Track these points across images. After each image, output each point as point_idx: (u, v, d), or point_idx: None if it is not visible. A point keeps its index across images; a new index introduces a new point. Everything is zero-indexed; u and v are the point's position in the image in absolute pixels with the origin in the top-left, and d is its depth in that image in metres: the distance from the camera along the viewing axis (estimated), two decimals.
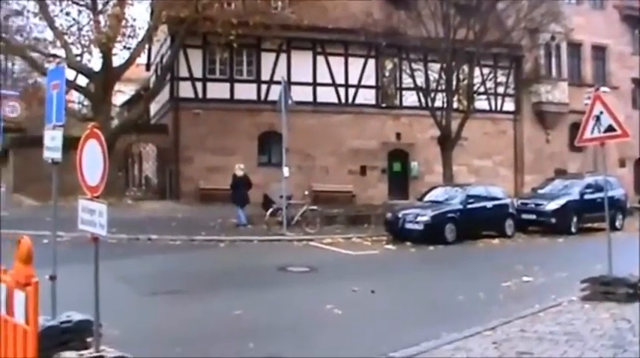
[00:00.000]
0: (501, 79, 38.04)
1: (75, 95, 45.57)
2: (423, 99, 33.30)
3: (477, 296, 13.27)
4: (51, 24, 32.92)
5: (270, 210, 24.26)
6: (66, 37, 33.00)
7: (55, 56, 31.67)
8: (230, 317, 11.34)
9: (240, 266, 17.76)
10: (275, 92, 29.14)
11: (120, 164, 37.87)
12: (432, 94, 32.30)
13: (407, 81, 34.57)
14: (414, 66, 33.50)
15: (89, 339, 8.51)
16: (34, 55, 34.15)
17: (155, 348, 9.46)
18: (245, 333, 10.27)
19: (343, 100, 36.89)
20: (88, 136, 8.29)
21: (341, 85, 36.81)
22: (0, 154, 26.46)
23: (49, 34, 34.51)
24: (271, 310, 12.08)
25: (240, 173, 25.68)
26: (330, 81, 36.54)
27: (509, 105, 40.72)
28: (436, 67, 32.30)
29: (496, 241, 24.22)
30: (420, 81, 32.83)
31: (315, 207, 25.12)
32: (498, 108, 40.35)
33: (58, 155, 9.25)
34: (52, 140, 9.31)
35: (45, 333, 8.24)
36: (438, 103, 32.20)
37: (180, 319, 11.42)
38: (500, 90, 38.86)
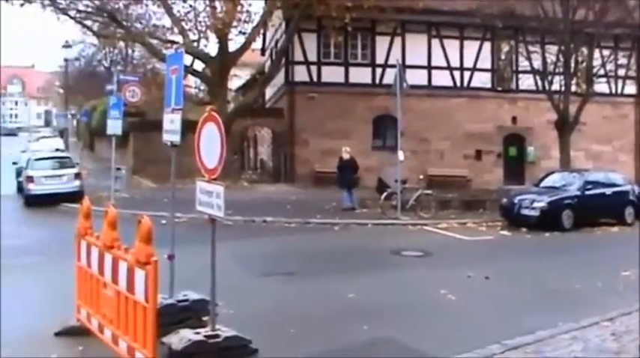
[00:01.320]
0: (622, 60, 36.60)
1: (192, 80, 46.52)
2: (540, 83, 32.37)
3: (594, 285, 12.90)
4: (169, 11, 33.67)
5: (385, 193, 24.14)
6: (183, 23, 33.69)
7: (172, 42, 32.42)
8: (344, 300, 11.40)
9: (353, 249, 17.79)
10: (390, 75, 28.95)
11: (235, 147, 38.43)
12: (550, 77, 31.36)
13: (523, 64, 33.69)
14: (531, 48, 32.59)
15: (205, 318, 8.72)
16: (153, 41, 35.05)
17: (269, 328, 9.60)
18: (359, 316, 10.30)
19: (458, 84, 36.38)
20: (206, 119, 8.44)
21: (456, 68, 36.31)
22: (121, 137, 27.21)
23: (167, 21, 35.38)
24: (385, 293, 12.07)
25: (346, 156, 25.64)
26: (445, 64, 36.09)
27: (630, 89, 39.20)
28: (554, 49, 31.31)
29: (615, 229, 23.42)
30: (537, 63, 31.91)
31: (429, 192, 24.86)
32: (619, 91, 38.91)
33: (176, 138, 9.47)
34: (171, 123, 9.54)
35: (163, 311, 8.49)
36: (555, 86, 31.26)
37: (294, 300, 11.55)
38: (621, 72, 37.39)
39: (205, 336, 8.08)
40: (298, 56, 35.00)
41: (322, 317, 10.36)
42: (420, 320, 10.27)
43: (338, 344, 9.01)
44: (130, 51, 61.18)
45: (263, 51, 44.22)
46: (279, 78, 36.97)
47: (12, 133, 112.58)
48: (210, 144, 8.30)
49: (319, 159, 33.49)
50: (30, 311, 10.89)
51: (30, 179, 27.23)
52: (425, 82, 35.00)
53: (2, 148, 50.86)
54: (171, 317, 8.76)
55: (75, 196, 25.34)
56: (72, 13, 33.49)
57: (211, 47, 37.20)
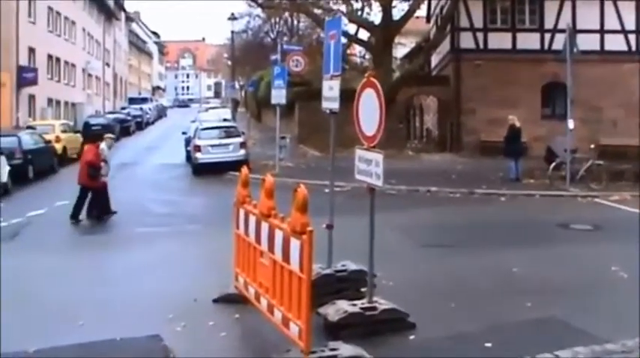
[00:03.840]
0: None
1: (357, 48, 46.50)
2: None
3: None
4: None
5: (553, 164, 23.23)
6: None
7: (337, 11, 32.39)
8: (506, 274, 10.94)
9: (518, 221, 17.15)
10: (559, 41, 27.73)
11: (401, 116, 38.12)
12: None
13: None
14: None
15: (363, 289, 8.55)
16: (317, 11, 35.15)
17: (428, 302, 9.31)
18: (522, 291, 9.85)
19: (634, 48, 34.47)
20: (365, 85, 8.22)
21: (631, 32, 34.35)
22: (286, 107, 27.55)
23: None
24: (550, 269, 11.44)
25: (516, 124, 24.81)
26: (619, 27, 34.24)
27: None
28: None
29: None
30: None
31: (601, 162, 23.68)
32: None
33: (335, 105, 9.29)
34: (330, 90, 9.37)
35: (320, 281, 8.39)
36: None
37: (455, 273, 11.18)
38: None
39: (362, 308, 7.91)
40: (464, 22, 34.20)
41: (483, 292, 9.96)
42: (587, 299, 9.60)
43: (498, 321, 8.59)
44: (295, 22, 61.91)
45: (428, 18, 43.62)
46: (445, 45, 36.31)
47: (184, 104, 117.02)
48: (369, 110, 8.08)
49: (485, 127, 32.66)
50: (191, 277, 11.09)
51: (197, 148, 27.97)
52: (597, 47, 33.32)
53: (175, 118, 52.70)
54: (328, 287, 8.65)
55: (240, 165, 25.81)
56: None
57: (375, 15, 37.01)
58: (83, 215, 18.10)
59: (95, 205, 18.23)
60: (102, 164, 18.46)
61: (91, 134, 19.60)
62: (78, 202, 18.10)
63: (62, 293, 10.50)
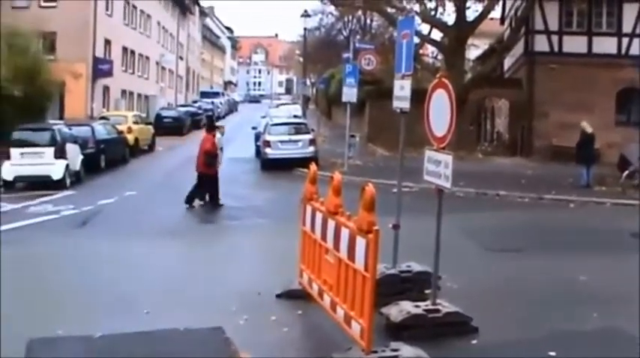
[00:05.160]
0: None
1: (429, 49, 46.22)
2: None
3: None
4: None
5: (627, 172, 22.76)
6: None
7: (410, 10, 32.27)
8: (573, 282, 10.71)
9: (588, 228, 16.79)
10: (637, 46, 27.20)
11: (472, 118, 37.77)
12: None
13: None
14: None
15: (427, 291, 8.50)
16: (391, 10, 35.02)
17: (492, 307, 9.20)
18: (588, 300, 9.62)
19: None
20: (436, 86, 8.17)
21: None
22: (357, 105, 27.57)
23: None
24: (621, 279, 11.09)
25: (589, 129, 24.32)
26: None
27: None
28: None
29: None
30: None
31: None
32: None
33: (406, 104, 9.27)
34: (401, 89, 9.35)
35: (384, 280, 8.37)
36: None
37: (520, 278, 11.00)
38: None
39: (425, 310, 7.87)
40: (539, 25, 33.70)
41: (549, 299, 9.77)
42: None
43: (563, 329, 8.40)
44: (368, 20, 61.82)
45: (502, 19, 43.10)
46: (519, 47, 35.83)
47: (255, 100, 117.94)
48: (440, 111, 8.03)
49: (558, 132, 32.13)
50: (256, 271, 11.17)
51: (267, 143, 28.16)
52: None
53: (246, 113, 53.09)
54: (392, 287, 8.63)
55: (309, 162, 25.92)
56: None
57: (449, 15, 36.74)
58: (197, 201, 19.17)
59: (209, 192, 19.27)
60: (218, 152, 19.74)
61: (208, 125, 20.73)
62: (195, 188, 19.20)
63: (128, 281, 10.68)
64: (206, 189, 19.30)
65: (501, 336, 8.09)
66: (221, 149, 20.23)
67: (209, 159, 19.21)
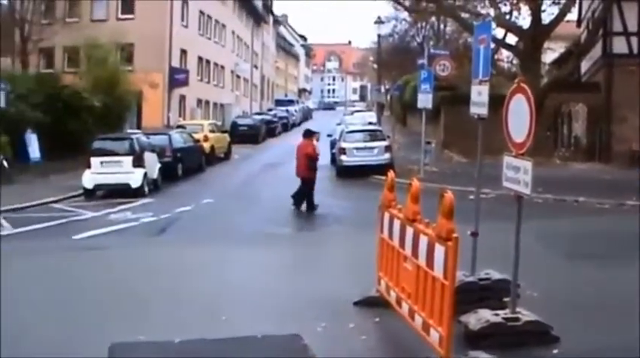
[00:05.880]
0: None
1: (504, 53, 45.72)
2: None
3: None
4: None
5: None
6: None
7: (484, 15, 31.95)
8: None
9: None
10: None
11: (549, 123, 37.14)
12: None
13: None
14: None
15: (506, 299, 8.39)
16: (464, 15, 34.74)
17: (573, 315, 9.00)
18: None
19: None
20: (515, 91, 8.08)
21: None
22: (432, 111, 27.47)
23: None
24: None
25: None
26: None
27: None
28: None
29: None
30: None
31: None
32: None
33: (483, 110, 9.19)
34: (479, 95, 9.27)
35: (463, 288, 8.28)
36: None
37: (601, 286, 10.70)
38: None
39: (504, 318, 7.76)
40: (617, 26, 32.95)
41: (633, 308, 9.47)
42: None
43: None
44: (441, 26, 61.45)
45: (579, 22, 42.33)
46: (596, 50, 35.12)
47: (330, 107, 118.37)
48: (518, 117, 7.92)
49: (638, 137, 31.43)
50: (334, 278, 11.17)
51: (342, 150, 28.22)
52: None
53: (321, 120, 53.22)
54: (470, 295, 8.53)
55: (384, 168, 25.91)
56: None
57: (524, 19, 36.26)
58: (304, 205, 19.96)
59: (308, 196, 20.13)
60: (318, 157, 20.83)
61: (307, 130, 21.46)
62: (299, 192, 20.14)
63: (207, 288, 10.81)
64: (306, 192, 20.11)
65: (583, 346, 7.90)
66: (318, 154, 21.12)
67: (311, 163, 20.20)
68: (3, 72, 32.36)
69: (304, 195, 20.00)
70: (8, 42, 41.04)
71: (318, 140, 21.92)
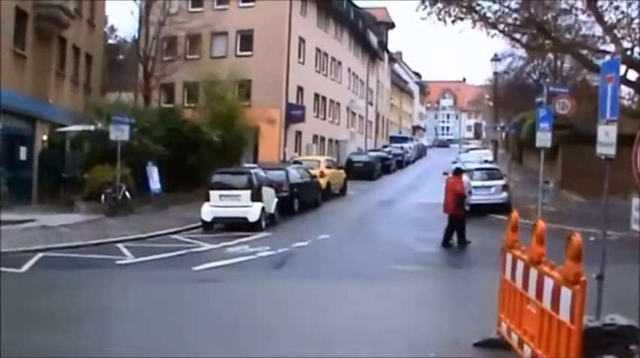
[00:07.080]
0: None
1: (624, 90, 44.53)
2: None
3: None
4: (600, 19, 32.42)
5: None
6: (615, 31, 32.27)
7: (604, 52, 31.31)
8: None
9: None
10: None
11: None
12: None
13: None
14: None
15: (632, 346, 8.13)
16: (583, 51, 34.09)
17: None
18: None
19: None
20: None
21: None
22: (550, 150, 26.94)
23: (597, 30, 34.15)
24: None
25: None
26: None
27: None
28: None
29: None
30: None
31: None
32: None
33: (611, 151, 9.00)
34: (606, 135, 9.09)
35: (588, 333, 8.06)
36: None
37: None
38: None
39: None
40: None
41: None
42: None
43: None
44: (559, 62, 60.47)
45: None
46: None
47: (444, 145, 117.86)
48: None
49: None
50: (453, 317, 11.07)
51: None
52: None
53: (435, 158, 53.05)
54: (595, 340, 8.30)
55: (502, 207, 25.65)
56: (501, 27, 33.71)
57: None
58: (454, 240, 20.09)
59: (458, 231, 20.22)
60: (467, 194, 21.19)
61: (456, 168, 22.06)
62: (448, 230, 20.17)
63: (324, 323, 10.85)
64: (455, 229, 20.11)
65: None
66: (469, 192, 21.68)
67: (459, 201, 20.28)
68: (128, 107, 33.54)
69: (452, 233, 20.06)
70: (132, 78, 42.69)
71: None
